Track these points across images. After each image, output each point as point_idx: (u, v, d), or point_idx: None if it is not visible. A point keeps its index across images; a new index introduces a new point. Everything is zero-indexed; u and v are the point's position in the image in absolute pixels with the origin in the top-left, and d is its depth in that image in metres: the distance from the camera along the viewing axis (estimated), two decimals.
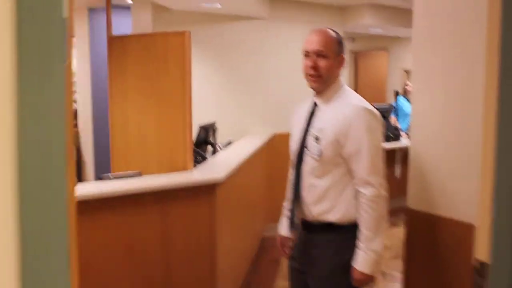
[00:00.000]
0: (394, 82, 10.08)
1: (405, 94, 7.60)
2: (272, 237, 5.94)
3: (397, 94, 7.56)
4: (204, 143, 4.71)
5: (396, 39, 9.91)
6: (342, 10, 6.85)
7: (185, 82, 3.59)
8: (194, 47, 6.34)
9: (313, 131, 2.31)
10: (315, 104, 2.37)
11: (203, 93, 6.06)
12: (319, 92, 2.34)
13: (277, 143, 6.26)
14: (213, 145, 4.76)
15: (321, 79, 2.28)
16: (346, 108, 2.24)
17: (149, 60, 3.72)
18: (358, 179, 2.23)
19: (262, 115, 6.29)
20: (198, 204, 3.43)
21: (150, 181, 3.32)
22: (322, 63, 2.26)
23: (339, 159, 2.25)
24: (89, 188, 3.14)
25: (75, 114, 7.32)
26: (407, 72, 10.07)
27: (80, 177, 7.02)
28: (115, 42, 3.85)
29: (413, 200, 2.70)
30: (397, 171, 7.41)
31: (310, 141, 2.30)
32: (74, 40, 6.56)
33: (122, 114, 3.90)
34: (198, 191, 3.42)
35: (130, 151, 3.90)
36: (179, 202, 3.35)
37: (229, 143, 5.23)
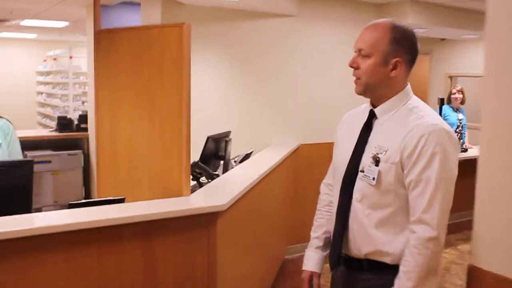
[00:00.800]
0: (436, 89, 9.25)
1: (450, 102, 6.86)
2: (295, 260, 5.27)
3: (441, 102, 6.83)
4: (214, 157, 4.01)
5: (438, 42, 9.07)
6: (380, 7, 6.06)
7: (182, 85, 2.89)
8: (208, 47, 5.76)
9: (370, 149, 1.95)
10: (373, 115, 2.01)
11: (218, 99, 5.35)
12: (374, 99, 2.01)
13: (303, 155, 5.51)
14: (224, 160, 4.05)
15: (360, 82, 1.96)
16: (416, 125, 1.89)
17: (141, 59, 3.06)
18: (414, 215, 1.86)
19: (286, 124, 5.54)
20: (193, 238, 2.74)
21: (131, 209, 2.63)
22: (362, 63, 1.95)
23: (400, 188, 1.89)
24: (43, 220, 2.49)
25: (85, 117, 6.79)
26: (451, 78, 9.25)
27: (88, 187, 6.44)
28: (103, 37, 3.19)
29: (481, 256, 1.92)
30: None
31: (366, 161, 1.94)
32: (84, 38, 6.06)
33: (110, 123, 3.24)
34: (193, 221, 2.73)
35: (118, 169, 3.23)
36: (168, 236, 2.66)
37: (246, 157, 4.51)
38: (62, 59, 10.31)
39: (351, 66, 1.99)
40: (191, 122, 3.22)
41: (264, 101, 5.49)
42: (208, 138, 3.79)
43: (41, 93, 11.43)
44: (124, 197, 2.80)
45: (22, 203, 2.68)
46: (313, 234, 2.25)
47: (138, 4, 5.29)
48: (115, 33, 3.14)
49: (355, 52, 1.99)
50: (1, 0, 6.21)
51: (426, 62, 9.53)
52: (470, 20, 6.54)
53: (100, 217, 2.49)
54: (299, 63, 5.54)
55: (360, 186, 1.96)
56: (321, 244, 2.21)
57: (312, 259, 2.20)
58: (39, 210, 6.34)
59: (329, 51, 5.68)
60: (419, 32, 7.08)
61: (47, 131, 7.36)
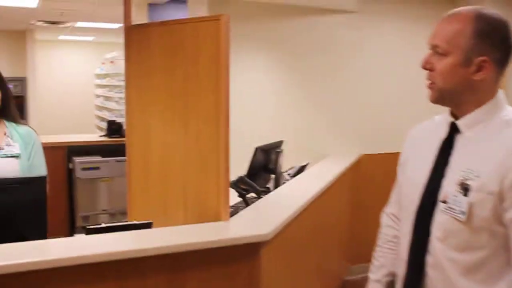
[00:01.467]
0: None
1: None
2: (358, 282, 4.76)
3: None
4: (263, 170, 3.55)
5: None
6: (453, 1, 5.42)
7: (219, 87, 2.44)
8: (256, 46, 5.24)
9: (454, 173, 1.53)
10: (455, 129, 1.59)
11: (268, 105, 4.87)
12: (456, 109, 1.59)
13: (364, 166, 4.96)
14: (276, 173, 3.58)
15: (435, 87, 1.56)
16: None
17: (174, 56, 2.64)
18: None
19: (345, 132, 5.00)
20: (231, 272, 2.29)
21: (157, 238, 2.21)
22: (437, 63, 1.54)
23: (498, 225, 1.47)
24: (51, 250, 2.11)
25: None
26: None
27: None
28: (133, 33, 2.80)
29: None
30: None
31: (450, 189, 1.53)
32: None
33: (143, 129, 2.84)
34: (231, 253, 2.27)
35: (149, 183, 2.83)
36: (200, 271, 2.21)
37: (301, 169, 4.01)
38: (119, 62, 10.16)
39: (424, 68, 1.59)
40: (236, 131, 2.77)
41: (320, 106, 4.96)
42: (256, 149, 3.34)
43: (99, 96, 11.36)
44: (150, 221, 2.38)
45: (35, 226, 2.32)
46: (372, 276, 1.85)
47: (185, 2, 4.94)
48: (146, 28, 2.74)
49: (430, 49, 1.59)
50: (51, 2, 6.04)
51: None
52: None
53: (118, 247, 2.08)
54: (359, 64, 4.99)
55: (441, 220, 1.54)
56: None
57: None
58: (87, 217, 6.11)
59: (395, 51, 5.09)
60: None
61: (97, 136, 7.14)
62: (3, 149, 2.61)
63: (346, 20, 4.94)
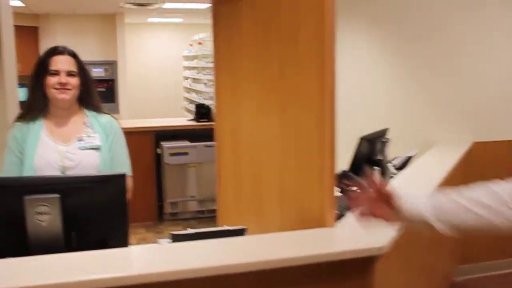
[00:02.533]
0: None
1: None
2: (466, 283, 4.25)
3: None
4: (368, 162, 3.12)
5: None
6: None
7: (324, 69, 2.04)
8: (357, 25, 4.77)
9: None
10: None
11: (370, 90, 4.38)
12: None
13: (477, 156, 4.32)
14: (382, 165, 3.15)
15: None
16: None
17: (268, 34, 2.26)
18: None
19: (455, 116, 4.40)
20: None
21: (248, 250, 1.87)
22: None
23: None
24: (122, 265, 1.82)
25: None
26: None
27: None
28: (222, 8, 2.45)
29: None
30: None
31: None
32: None
33: (234, 114, 2.51)
34: (339, 269, 1.90)
35: (243, 179, 2.49)
36: None
37: (407, 161, 3.55)
38: (207, 43, 9.95)
39: None
40: (337, 119, 2.38)
41: (426, 88, 4.39)
42: (361, 139, 2.92)
43: (187, 78, 11.25)
44: (244, 227, 2.04)
45: (115, 228, 2.05)
46: None
47: None
48: (235, 2, 2.37)
49: None
50: None
51: None
52: None
53: (206, 262, 1.76)
54: (475, 41, 4.36)
55: None
56: None
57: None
58: (175, 204, 5.97)
59: None
60: None
61: (185, 120, 6.96)
62: (82, 140, 2.37)
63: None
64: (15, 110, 3.44)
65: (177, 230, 2.08)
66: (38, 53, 8.30)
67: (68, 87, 2.33)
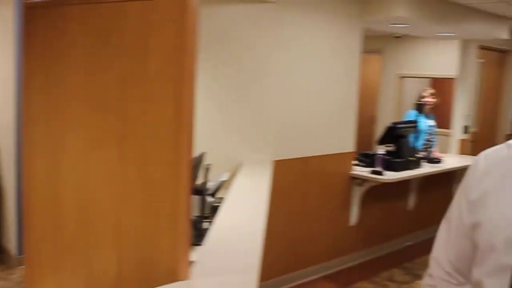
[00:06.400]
0: (387, 90, 8.71)
1: (419, 108, 6.13)
2: None
3: (419, 108, 6.25)
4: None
5: (390, 40, 8.38)
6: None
7: (181, 93, 1.71)
8: None
9: None
10: None
11: None
12: None
13: (278, 172, 4.33)
14: (203, 195, 2.88)
15: None
16: None
17: (106, 47, 1.84)
18: None
19: (255, 137, 4.39)
20: None
21: None
22: None
23: None
24: None
25: None
26: (402, 78, 8.54)
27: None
28: (35, 15, 1.94)
29: None
30: (411, 203, 6.36)
31: None
32: None
33: (48, 151, 2.00)
34: None
35: (61, 225, 2.00)
36: None
37: (220, 185, 3.29)
38: None
39: None
40: None
41: (230, 115, 4.30)
42: None
43: None
44: None
45: None
46: None
47: None
48: (62, 9, 1.88)
49: None
50: None
51: (377, 61, 8.77)
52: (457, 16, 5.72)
53: None
54: (274, 60, 4.40)
55: None
56: None
57: None
58: None
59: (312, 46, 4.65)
60: (399, 27, 6.04)
61: None
62: None
63: (261, 10, 4.28)
64: None
65: None
66: None
67: None
